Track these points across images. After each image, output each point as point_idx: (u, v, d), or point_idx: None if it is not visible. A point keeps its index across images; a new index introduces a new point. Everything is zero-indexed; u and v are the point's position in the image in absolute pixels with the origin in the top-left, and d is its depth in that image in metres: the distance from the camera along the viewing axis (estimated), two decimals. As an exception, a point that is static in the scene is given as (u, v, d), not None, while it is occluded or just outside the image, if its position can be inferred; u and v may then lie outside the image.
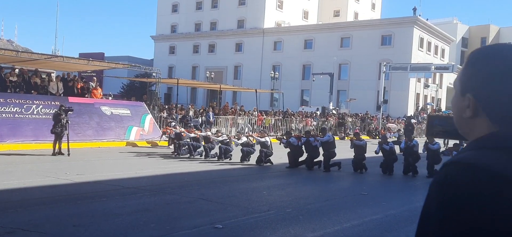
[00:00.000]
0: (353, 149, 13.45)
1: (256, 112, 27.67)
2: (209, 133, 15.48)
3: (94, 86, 20.74)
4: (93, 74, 25.25)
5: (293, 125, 27.75)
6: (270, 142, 14.06)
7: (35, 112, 16.09)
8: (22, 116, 15.69)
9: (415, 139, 14.85)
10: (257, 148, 13.98)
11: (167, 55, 65.36)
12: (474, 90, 1.03)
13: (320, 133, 14.37)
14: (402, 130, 27.75)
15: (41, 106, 16.36)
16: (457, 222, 0.89)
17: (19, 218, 6.09)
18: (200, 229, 5.99)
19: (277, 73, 49.56)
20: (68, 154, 13.30)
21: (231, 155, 14.36)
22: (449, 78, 53.58)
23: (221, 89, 32.52)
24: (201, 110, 24.85)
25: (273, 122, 27.35)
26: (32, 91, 17.54)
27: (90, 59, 20.33)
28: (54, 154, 13.39)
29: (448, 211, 0.91)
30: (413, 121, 33.54)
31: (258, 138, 14.20)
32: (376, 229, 6.58)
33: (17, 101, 15.93)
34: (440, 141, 15.86)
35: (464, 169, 0.94)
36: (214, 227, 6.13)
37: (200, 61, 62.69)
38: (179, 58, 64.06)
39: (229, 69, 60.61)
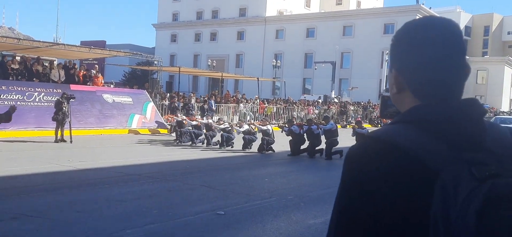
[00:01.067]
0: (355, 137, 13.45)
1: (258, 101, 27.65)
2: (210, 121, 15.49)
3: (95, 74, 20.71)
4: (94, 62, 25.22)
5: (294, 113, 27.74)
6: (272, 130, 14.07)
7: (37, 100, 16.11)
8: (24, 103, 15.69)
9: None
10: (259, 136, 13.99)
11: (168, 43, 65.23)
12: (397, 64, 1.02)
13: (323, 121, 14.36)
14: None
15: (43, 94, 16.36)
16: (349, 196, 0.93)
17: (22, 204, 6.13)
18: (202, 216, 6.02)
19: (279, 61, 49.45)
20: (71, 141, 13.35)
21: (233, 143, 14.38)
22: (452, 67, 53.48)
23: (223, 77, 32.45)
24: (206, 98, 24.82)
25: (274, 110, 27.34)
26: (34, 79, 17.53)
27: (92, 47, 20.28)
28: (56, 141, 13.43)
29: (344, 180, 0.95)
30: None
31: (260, 126, 14.21)
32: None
33: (19, 89, 15.94)
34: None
35: (369, 142, 0.94)
36: (216, 213, 6.16)
37: (202, 49, 62.56)
38: (181, 46, 63.92)
39: (231, 57, 60.49)
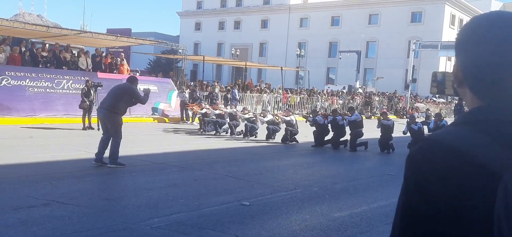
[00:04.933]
0: (380, 129, 13.29)
1: (281, 90, 27.57)
2: (235, 110, 15.53)
3: (121, 62, 20.98)
4: (120, 50, 25.58)
5: (318, 103, 27.56)
6: (296, 120, 14.02)
7: (65, 87, 16.46)
8: (53, 91, 16.08)
9: (444, 119, 14.55)
10: (283, 126, 13.96)
11: (192, 32, 65.54)
12: (458, 59, 1.02)
13: (348, 112, 14.23)
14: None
15: (71, 81, 16.71)
16: (412, 194, 0.95)
17: (54, 191, 6.30)
18: (227, 206, 6.07)
19: (303, 50, 49.09)
20: (98, 129, 13.58)
21: (257, 133, 14.39)
22: (481, 57, 52.16)
23: (246, 66, 32.44)
24: (228, 87, 24.87)
25: (298, 100, 27.21)
26: (63, 67, 17.89)
27: (118, 35, 20.58)
28: (84, 128, 13.74)
29: (405, 180, 0.97)
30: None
31: (283, 116, 14.16)
32: (404, 211, 6.50)
33: (49, 76, 16.31)
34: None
35: (429, 145, 0.95)
36: (241, 204, 6.20)
37: (226, 38, 62.63)
38: (205, 34, 64.14)
39: (254, 46, 60.39)
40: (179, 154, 10.52)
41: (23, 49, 17.32)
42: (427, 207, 0.93)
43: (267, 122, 14.16)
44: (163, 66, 43.33)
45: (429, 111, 27.42)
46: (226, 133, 14.93)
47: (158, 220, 5.28)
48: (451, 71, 1.10)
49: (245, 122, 14.56)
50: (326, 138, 13.38)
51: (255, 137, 14.28)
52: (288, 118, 13.81)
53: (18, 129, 12.99)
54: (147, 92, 8.82)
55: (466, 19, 52.00)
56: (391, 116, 20.80)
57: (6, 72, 15.29)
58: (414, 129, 12.80)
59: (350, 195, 7.24)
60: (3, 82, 14.98)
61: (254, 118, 14.62)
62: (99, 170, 8.00)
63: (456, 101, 25.99)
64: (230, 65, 51.05)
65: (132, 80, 8.77)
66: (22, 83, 15.42)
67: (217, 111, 15.31)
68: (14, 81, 15.27)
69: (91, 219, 5.17)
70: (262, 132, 14.33)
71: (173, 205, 5.94)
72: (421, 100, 36.68)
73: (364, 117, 18.53)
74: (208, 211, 5.79)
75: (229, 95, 22.34)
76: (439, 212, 0.92)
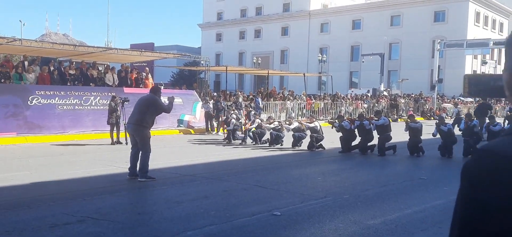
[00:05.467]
0: (408, 132, 13.04)
1: (305, 97, 27.44)
2: (258, 120, 15.48)
3: (146, 76, 21.29)
4: (144, 64, 25.99)
5: (343, 108, 27.30)
6: (320, 126, 13.89)
7: (93, 104, 16.79)
8: (81, 108, 16.44)
9: (475, 119, 14.17)
10: (308, 132, 13.86)
11: (214, 43, 66.14)
12: (510, 66, 0.96)
13: (375, 116, 14.02)
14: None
15: (98, 97, 17.04)
16: (469, 206, 0.90)
17: (87, 207, 6.39)
18: (259, 216, 6.03)
19: (324, 56, 48.86)
20: (126, 143, 13.78)
21: (283, 141, 14.33)
22: (509, 54, 50.68)
23: (269, 74, 32.46)
24: (250, 96, 24.92)
25: (322, 105, 27.02)
26: (91, 84, 18.26)
27: (142, 50, 20.92)
28: (112, 143, 13.96)
29: (460, 194, 0.93)
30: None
31: (307, 123, 14.04)
32: (439, 215, 6.35)
33: (76, 94, 16.67)
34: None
35: (484, 156, 0.91)
36: (272, 214, 6.15)
37: (247, 47, 62.93)
38: (226, 45, 64.63)
39: (275, 54, 60.46)
40: (206, 165, 10.57)
41: (52, 68, 17.78)
42: (482, 221, 0.89)
43: (293, 129, 14.09)
44: (186, 78, 43.82)
45: (459, 107, 26.86)
46: (252, 141, 14.91)
47: (191, 233, 5.30)
48: (483, 73, 1.05)
49: (271, 130, 14.52)
50: (353, 143, 13.22)
51: (281, 145, 14.22)
52: (312, 124, 13.70)
53: (49, 146, 13.31)
54: (171, 100, 8.88)
55: (492, 16, 50.81)
56: (418, 118, 20.40)
57: (36, 91, 15.73)
58: (443, 130, 12.52)
59: (382, 201, 7.10)
60: (34, 101, 15.40)
61: (280, 127, 14.56)
62: (130, 184, 8.10)
63: (481, 101, 24.48)
64: (252, 74, 51.21)
65: (155, 91, 8.87)
66: (52, 101, 15.82)
67: (252, 127, 15.24)
68: (44, 100, 15.68)
69: (125, 235, 5.22)
70: (287, 139, 14.26)
71: (205, 217, 5.94)
72: (448, 100, 35.92)
73: (390, 120, 18.22)
74: (240, 222, 5.77)
75: (252, 104, 22.37)
76: (498, 225, 0.87)
